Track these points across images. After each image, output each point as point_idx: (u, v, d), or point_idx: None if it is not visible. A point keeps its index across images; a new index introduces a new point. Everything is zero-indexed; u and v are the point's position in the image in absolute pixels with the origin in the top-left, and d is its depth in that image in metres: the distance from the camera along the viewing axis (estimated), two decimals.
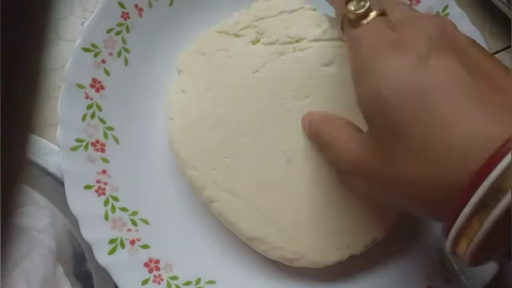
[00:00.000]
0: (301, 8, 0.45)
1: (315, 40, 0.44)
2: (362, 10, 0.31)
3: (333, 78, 0.43)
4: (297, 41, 0.44)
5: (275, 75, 0.43)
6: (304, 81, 0.43)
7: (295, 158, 0.41)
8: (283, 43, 0.44)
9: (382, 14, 0.32)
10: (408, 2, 0.50)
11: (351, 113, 0.42)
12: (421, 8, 0.49)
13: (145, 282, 0.38)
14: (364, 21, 0.31)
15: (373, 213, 0.40)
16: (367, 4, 0.31)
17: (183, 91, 0.42)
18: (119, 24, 0.44)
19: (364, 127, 0.38)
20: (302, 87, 0.43)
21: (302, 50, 0.43)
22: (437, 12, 0.49)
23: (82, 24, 0.48)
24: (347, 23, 0.33)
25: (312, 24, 0.44)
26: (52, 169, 0.42)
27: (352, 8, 0.32)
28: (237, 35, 0.44)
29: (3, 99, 0.12)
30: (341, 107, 0.42)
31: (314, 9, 0.45)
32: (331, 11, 0.44)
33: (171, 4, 0.47)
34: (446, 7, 0.49)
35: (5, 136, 0.13)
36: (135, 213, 0.40)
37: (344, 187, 0.40)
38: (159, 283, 0.38)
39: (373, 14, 0.31)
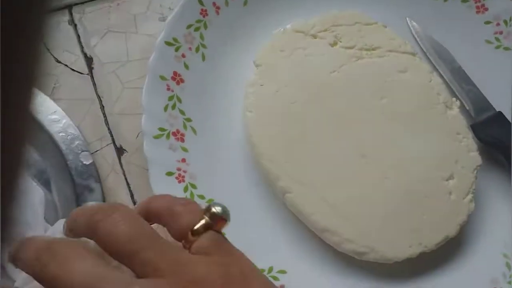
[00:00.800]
0: (375, 23, 0.47)
1: (391, 50, 0.46)
2: None
3: (407, 83, 0.45)
4: (373, 49, 0.46)
5: (353, 76, 0.44)
6: (380, 83, 0.44)
7: (370, 154, 0.42)
8: (360, 49, 0.45)
9: None
10: (475, 10, 0.51)
11: (424, 113, 0.44)
12: (488, 16, 0.50)
13: None
14: None
15: (445, 211, 0.41)
16: None
17: (261, 85, 0.44)
18: (198, 21, 0.46)
19: (438, 128, 0.40)
20: (378, 88, 0.44)
21: (380, 57, 0.45)
22: (505, 21, 0.50)
23: (159, 19, 0.50)
24: None
25: (386, 38, 0.46)
26: None
27: None
28: (314, 36, 0.45)
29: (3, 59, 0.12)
30: (415, 109, 0.44)
31: (385, 26, 0.47)
32: (398, 30, 0.47)
33: (245, 4, 0.49)
34: None
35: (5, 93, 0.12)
36: (211, 201, 0.42)
37: (419, 185, 0.41)
38: None
39: None
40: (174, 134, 0.42)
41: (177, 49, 0.44)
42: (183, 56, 0.45)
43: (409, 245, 0.40)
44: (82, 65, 0.48)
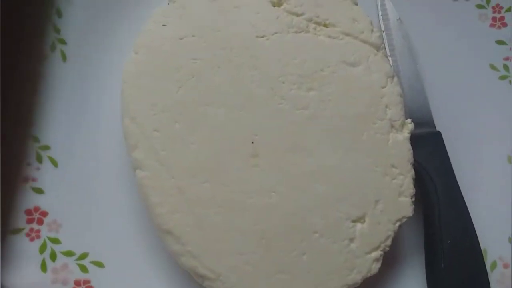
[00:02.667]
0: None
1: (348, 34, 0.34)
2: None
3: (352, 81, 0.33)
4: (325, 25, 0.34)
5: (283, 50, 0.33)
6: (315, 70, 0.33)
7: (264, 156, 0.31)
8: (309, 20, 0.34)
9: None
10: (490, 22, 0.38)
11: (358, 125, 0.32)
12: (503, 34, 0.38)
13: (16, 231, 0.30)
14: None
15: (335, 261, 0.30)
16: None
17: (164, 24, 0.33)
18: None
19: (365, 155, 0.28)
20: (310, 76, 0.33)
21: (329, 37, 0.34)
22: None
23: None
24: None
25: (349, 17, 0.34)
26: None
27: None
28: None
29: None
30: (347, 116, 0.32)
31: (356, 3, 0.35)
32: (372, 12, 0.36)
33: None
34: None
35: None
36: (46, 147, 0.32)
37: (312, 215, 0.30)
38: (33, 239, 0.30)
39: None
40: None
41: None
42: None
43: (267, 285, 0.29)
44: None
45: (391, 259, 0.33)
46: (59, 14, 0.34)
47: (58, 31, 0.34)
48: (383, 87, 0.33)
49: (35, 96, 0.32)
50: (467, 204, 0.33)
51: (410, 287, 0.33)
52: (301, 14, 0.34)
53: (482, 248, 0.33)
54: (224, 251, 0.30)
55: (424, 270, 0.32)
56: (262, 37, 0.33)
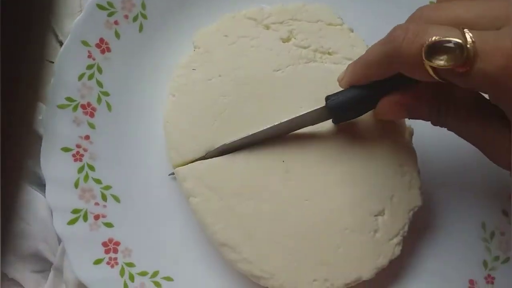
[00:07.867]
0: (340, 25, 0.41)
1: (349, 59, 0.40)
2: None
3: None
4: (329, 54, 0.40)
5: (297, 80, 0.39)
6: (327, 93, 0.38)
7: (295, 170, 0.37)
8: (315, 51, 0.40)
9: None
10: None
11: (369, 128, 0.38)
12: None
13: (98, 262, 0.35)
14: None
15: (365, 250, 0.36)
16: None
17: (194, 69, 0.39)
18: None
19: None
20: (323, 98, 0.38)
21: (334, 63, 0.40)
22: None
23: None
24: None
25: (347, 43, 0.40)
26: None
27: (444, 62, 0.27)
28: (267, 27, 0.40)
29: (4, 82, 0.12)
30: (357, 128, 0.38)
31: (352, 30, 0.41)
32: (367, 36, 0.40)
33: None
34: None
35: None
36: (108, 187, 0.38)
37: (341, 215, 0.36)
38: (113, 266, 0.36)
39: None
40: (83, 106, 0.38)
41: (110, 15, 0.40)
42: (116, 23, 0.40)
43: (314, 279, 0.36)
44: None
45: (409, 242, 0.39)
46: (100, 70, 0.39)
47: (101, 85, 0.39)
48: None
49: (92, 145, 0.38)
50: (464, 186, 0.40)
51: (426, 260, 0.40)
52: (308, 46, 0.40)
53: (481, 221, 0.40)
54: (273, 254, 0.36)
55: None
56: (278, 70, 0.39)
